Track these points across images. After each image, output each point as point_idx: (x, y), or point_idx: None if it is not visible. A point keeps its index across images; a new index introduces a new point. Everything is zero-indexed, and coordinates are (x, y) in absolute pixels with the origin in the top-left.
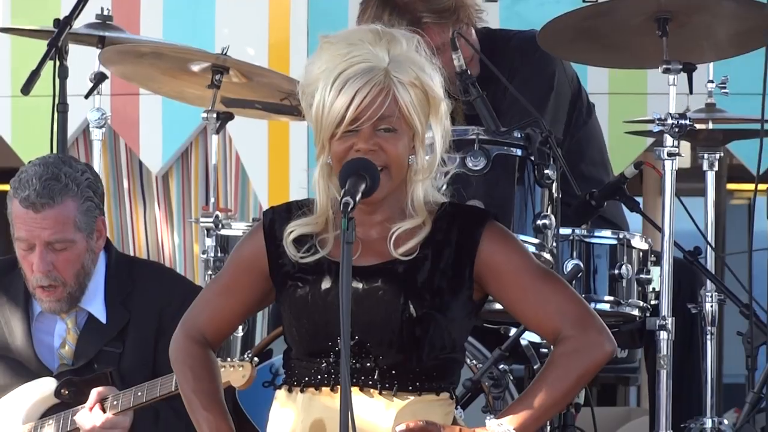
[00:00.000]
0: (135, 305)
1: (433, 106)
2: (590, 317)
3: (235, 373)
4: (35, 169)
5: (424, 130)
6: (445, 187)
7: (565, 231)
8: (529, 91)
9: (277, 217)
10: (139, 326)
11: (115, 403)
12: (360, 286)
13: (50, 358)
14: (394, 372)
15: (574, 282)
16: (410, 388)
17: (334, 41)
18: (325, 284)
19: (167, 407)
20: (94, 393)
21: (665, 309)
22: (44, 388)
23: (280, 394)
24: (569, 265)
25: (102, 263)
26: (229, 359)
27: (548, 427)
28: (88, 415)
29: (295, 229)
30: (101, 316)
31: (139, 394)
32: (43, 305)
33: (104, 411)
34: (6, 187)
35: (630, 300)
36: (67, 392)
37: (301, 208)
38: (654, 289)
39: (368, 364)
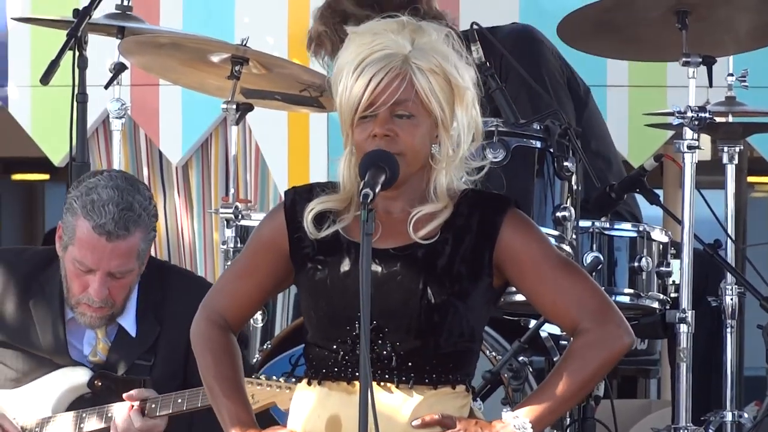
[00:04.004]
0: (166, 317)
1: (458, 95)
2: (609, 309)
3: (281, 394)
4: (108, 193)
5: (449, 118)
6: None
7: (584, 223)
8: (525, 89)
9: (299, 197)
10: (170, 338)
11: (153, 406)
12: (379, 269)
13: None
14: (410, 364)
15: (593, 274)
16: (426, 380)
17: (361, 32)
18: (344, 267)
19: (200, 416)
20: (136, 392)
21: (685, 302)
22: (77, 377)
23: (301, 385)
24: (589, 258)
25: (136, 282)
26: (274, 378)
27: (567, 420)
28: (126, 413)
29: (315, 206)
30: (131, 329)
31: (179, 401)
32: (83, 319)
33: (143, 412)
34: (29, 176)
35: (650, 293)
36: (100, 384)
37: (324, 189)
38: (674, 281)
39: (385, 352)
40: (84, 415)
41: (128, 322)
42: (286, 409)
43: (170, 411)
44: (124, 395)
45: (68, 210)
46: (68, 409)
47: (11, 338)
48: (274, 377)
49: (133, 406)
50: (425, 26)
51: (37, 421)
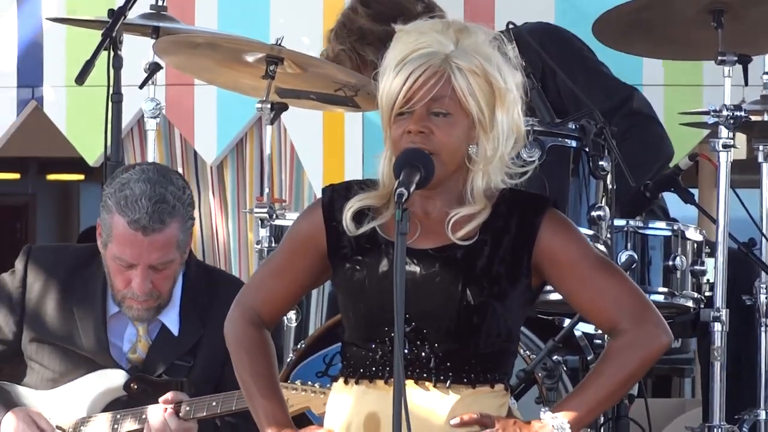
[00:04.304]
0: (210, 320)
1: (499, 97)
2: (648, 310)
3: (316, 399)
4: (141, 187)
5: (488, 120)
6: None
7: (619, 222)
8: (597, 85)
9: (337, 195)
10: (212, 341)
11: (188, 409)
12: (417, 270)
13: (120, 361)
14: (449, 363)
15: (628, 273)
16: (465, 380)
17: (407, 30)
18: (383, 267)
19: (224, 423)
20: (171, 395)
21: (719, 300)
22: (113, 379)
23: (337, 385)
24: (623, 257)
25: (180, 273)
26: (310, 383)
27: (601, 418)
28: (161, 416)
29: (354, 205)
30: (174, 327)
31: (214, 404)
32: (131, 312)
33: (178, 415)
34: (64, 176)
35: (684, 291)
36: (136, 387)
37: (362, 187)
38: (708, 280)
39: (423, 354)
40: (119, 416)
41: (171, 319)
42: (320, 413)
43: (205, 414)
44: (160, 399)
45: (104, 207)
46: (104, 411)
47: (52, 336)
48: (309, 382)
49: (167, 408)
50: (472, 27)
51: (74, 422)
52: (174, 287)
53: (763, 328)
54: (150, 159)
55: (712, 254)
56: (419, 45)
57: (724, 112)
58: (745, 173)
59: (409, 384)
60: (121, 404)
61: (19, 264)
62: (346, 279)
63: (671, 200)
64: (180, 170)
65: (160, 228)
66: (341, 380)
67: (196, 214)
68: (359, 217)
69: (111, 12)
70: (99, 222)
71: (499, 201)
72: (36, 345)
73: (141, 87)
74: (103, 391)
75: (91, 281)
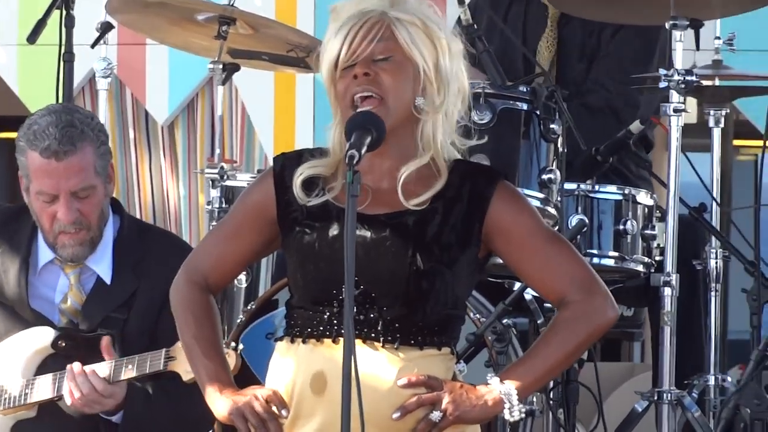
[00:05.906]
0: (146, 273)
1: (440, 50)
2: (595, 283)
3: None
4: (47, 119)
5: (432, 70)
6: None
7: (569, 186)
8: (631, 51)
9: (288, 163)
10: (147, 295)
11: (107, 372)
12: (368, 234)
13: (51, 312)
14: (397, 325)
15: (578, 237)
16: (412, 342)
17: (342, 4)
18: (333, 231)
19: (158, 389)
20: (106, 343)
21: (670, 265)
22: (42, 337)
23: (281, 345)
24: (574, 220)
25: (111, 225)
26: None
27: (551, 383)
28: (86, 379)
29: (304, 171)
30: (106, 276)
31: (129, 367)
32: (66, 251)
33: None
34: (13, 134)
35: (635, 256)
36: (64, 344)
37: (313, 155)
38: (659, 245)
39: (372, 315)
40: (36, 379)
41: (103, 268)
42: None
43: (121, 377)
44: (103, 349)
45: (19, 152)
46: (38, 371)
47: None
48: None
49: (93, 372)
50: None
51: (22, 384)
52: (104, 223)
53: (712, 293)
54: (101, 118)
55: (663, 219)
56: (357, 10)
57: (676, 77)
58: (695, 137)
59: (358, 343)
60: (54, 361)
61: None
62: (296, 242)
63: None
64: (131, 131)
65: (72, 150)
66: (286, 340)
67: (147, 174)
68: (310, 185)
69: None
70: (20, 174)
71: (451, 171)
72: None
73: (93, 46)
74: (34, 351)
75: (16, 235)
